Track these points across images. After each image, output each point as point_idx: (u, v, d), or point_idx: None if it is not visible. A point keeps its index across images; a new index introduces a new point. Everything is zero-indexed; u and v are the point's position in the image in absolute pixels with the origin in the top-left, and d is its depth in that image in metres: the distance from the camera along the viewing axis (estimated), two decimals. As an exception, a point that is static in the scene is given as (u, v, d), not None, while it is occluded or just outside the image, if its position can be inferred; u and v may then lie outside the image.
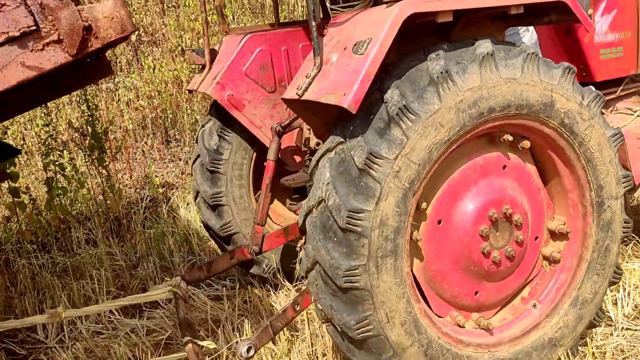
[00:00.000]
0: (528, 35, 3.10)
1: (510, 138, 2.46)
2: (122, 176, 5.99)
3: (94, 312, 3.59)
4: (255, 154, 3.76)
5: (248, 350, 2.61)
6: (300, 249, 4.00)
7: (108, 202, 5.65)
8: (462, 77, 2.20)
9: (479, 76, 2.22)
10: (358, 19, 2.47)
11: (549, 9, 2.52)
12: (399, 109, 2.14)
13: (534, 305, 2.72)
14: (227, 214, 3.76)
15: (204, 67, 3.58)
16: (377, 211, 2.15)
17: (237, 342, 2.79)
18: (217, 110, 3.73)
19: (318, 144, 3.31)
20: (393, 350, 2.32)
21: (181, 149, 6.32)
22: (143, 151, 6.13)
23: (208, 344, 3.00)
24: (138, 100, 6.21)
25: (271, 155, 3.37)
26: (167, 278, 3.56)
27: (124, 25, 1.88)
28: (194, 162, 3.92)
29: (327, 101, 2.27)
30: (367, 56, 2.17)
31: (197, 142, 3.96)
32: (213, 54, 3.57)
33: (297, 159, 3.67)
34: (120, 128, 6.11)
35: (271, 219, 4.01)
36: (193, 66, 6.14)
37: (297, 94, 2.45)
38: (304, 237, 3.93)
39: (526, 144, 2.51)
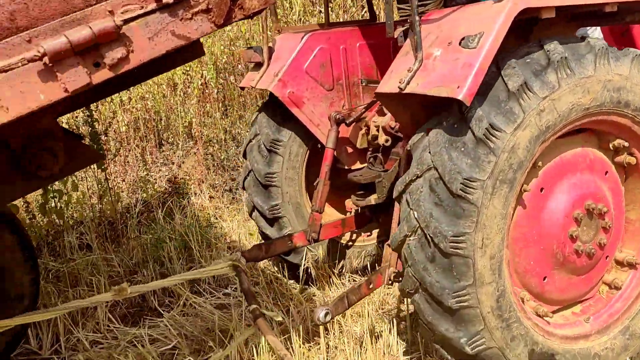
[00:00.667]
0: (596, 34, 3.31)
1: (626, 144, 2.66)
2: (114, 179, 5.78)
3: (158, 287, 3.48)
4: (308, 152, 3.79)
5: (325, 315, 2.70)
6: (347, 245, 4.03)
7: (102, 206, 5.43)
8: (615, 62, 2.42)
9: (628, 69, 2.44)
10: (459, 16, 2.58)
11: (637, 8, 2.72)
12: (562, 57, 2.31)
13: (587, 320, 2.84)
14: (284, 225, 3.81)
15: (258, 64, 3.59)
16: (513, 137, 2.27)
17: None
18: (272, 109, 3.74)
19: (387, 141, 3.40)
20: (474, 279, 2.35)
21: (174, 153, 6.18)
22: (136, 154, 5.94)
23: (274, 314, 3.01)
24: (130, 102, 6.02)
25: (330, 143, 3.45)
26: (226, 254, 3.49)
27: (267, -2, 1.90)
28: (245, 178, 3.93)
29: (437, 94, 2.34)
30: (481, 49, 2.27)
31: (244, 156, 3.96)
32: (270, 51, 3.58)
33: (352, 157, 3.73)
34: (113, 130, 5.91)
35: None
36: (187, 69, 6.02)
37: (399, 87, 2.50)
38: (354, 233, 4.01)
39: (632, 160, 2.71)
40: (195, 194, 6.01)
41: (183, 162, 6.32)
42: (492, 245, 2.37)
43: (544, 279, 2.72)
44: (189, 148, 6.19)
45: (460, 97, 2.23)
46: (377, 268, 2.90)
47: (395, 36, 2.77)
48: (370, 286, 2.88)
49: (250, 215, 4.08)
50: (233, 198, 6.04)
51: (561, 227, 2.61)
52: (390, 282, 2.89)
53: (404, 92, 2.50)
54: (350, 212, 4.02)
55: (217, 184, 6.17)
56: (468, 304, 2.39)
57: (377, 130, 3.48)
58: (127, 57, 1.80)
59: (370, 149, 3.61)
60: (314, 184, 3.53)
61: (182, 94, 6.12)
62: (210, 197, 6.01)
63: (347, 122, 3.52)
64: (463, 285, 2.36)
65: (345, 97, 3.70)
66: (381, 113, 3.55)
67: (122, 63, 1.80)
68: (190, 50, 2.40)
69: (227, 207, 5.88)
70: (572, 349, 2.71)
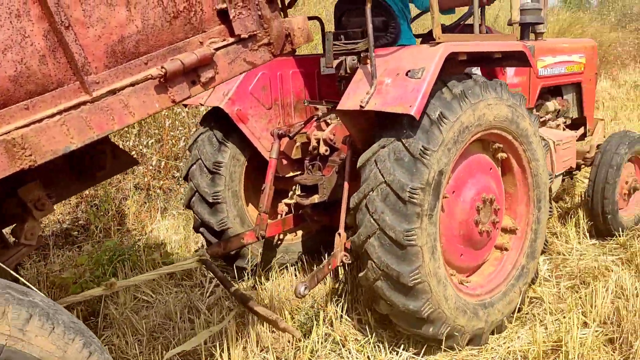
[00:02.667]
0: (478, 72, 4.41)
1: (501, 146, 3.70)
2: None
3: (141, 281, 3.79)
4: (246, 161, 4.43)
5: (305, 289, 3.47)
6: (277, 244, 4.71)
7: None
8: (492, 90, 3.45)
9: (500, 94, 3.50)
10: (400, 55, 3.44)
11: (513, 55, 3.80)
12: (462, 90, 3.31)
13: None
14: (222, 210, 4.36)
15: None
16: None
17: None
18: (214, 122, 4.34)
19: (326, 151, 4.17)
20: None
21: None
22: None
23: (251, 293, 3.65)
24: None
25: (273, 154, 4.16)
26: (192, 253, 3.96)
27: (309, 35, 2.60)
28: (190, 198, 4.43)
29: (393, 110, 3.15)
30: (424, 80, 3.14)
31: (186, 179, 4.46)
32: None
33: (286, 166, 4.41)
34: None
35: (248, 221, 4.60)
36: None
37: (360, 105, 3.29)
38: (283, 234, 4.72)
39: (503, 155, 3.77)
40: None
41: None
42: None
43: (461, 255, 3.72)
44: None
45: (412, 113, 3.08)
46: (332, 253, 3.64)
47: (333, 66, 3.68)
48: (329, 266, 3.64)
49: (197, 230, 4.54)
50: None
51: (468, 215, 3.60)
52: (341, 263, 3.66)
53: (365, 109, 3.28)
54: (282, 214, 4.69)
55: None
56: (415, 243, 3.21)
57: (318, 142, 4.22)
58: (214, 77, 2.36)
59: (307, 158, 4.33)
60: (262, 189, 4.13)
61: (183, 106, 6.19)
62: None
63: (290, 135, 4.21)
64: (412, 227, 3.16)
65: (281, 115, 4.45)
66: (319, 128, 4.32)
67: (211, 81, 2.35)
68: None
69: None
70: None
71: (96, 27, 2.09)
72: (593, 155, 5.23)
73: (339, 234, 3.65)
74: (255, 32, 2.45)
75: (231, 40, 2.41)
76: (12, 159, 1.92)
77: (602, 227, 5.18)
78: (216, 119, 4.31)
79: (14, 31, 1.92)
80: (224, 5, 2.36)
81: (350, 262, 3.71)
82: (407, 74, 3.25)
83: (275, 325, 3.44)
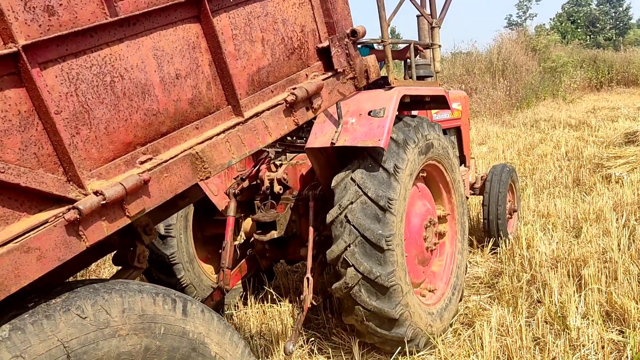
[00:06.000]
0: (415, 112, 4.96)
1: (424, 174, 4.16)
2: None
3: None
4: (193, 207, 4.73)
5: (293, 345, 3.66)
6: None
7: None
8: (432, 127, 4.09)
9: (438, 132, 4.18)
10: (359, 98, 3.85)
11: (437, 99, 4.53)
12: (416, 124, 3.96)
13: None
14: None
15: None
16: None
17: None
18: None
19: (280, 189, 4.33)
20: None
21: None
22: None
23: None
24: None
25: (231, 212, 4.26)
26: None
27: (378, 71, 3.07)
28: None
29: (364, 145, 3.56)
30: (387, 117, 3.64)
31: None
32: None
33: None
34: None
35: (207, 275, 4.89)
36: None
37: (332, 142, 3.63)
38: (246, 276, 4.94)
39: (424, 173, 4.21)
40: None
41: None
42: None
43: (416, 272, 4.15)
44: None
45: (382, 145, 3.52)
46: (301, 297, 3.83)
47: None
48: (304, 312, 3.78)
49: None
50: None
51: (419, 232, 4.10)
52: (311, 304, 3.85)
53: (336, 145, 3.61)
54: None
55: None
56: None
57: (270, 183, 4.34)
58: (321, 104, 2.74)
59: (257, 198, 4.42)
60: (223, 245, 4.17)
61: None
62: None
63: (243, 178, 4.40)
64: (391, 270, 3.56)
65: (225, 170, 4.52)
66: (270, 170, 4.44)
67: (319, 108, 2.72)
68: None
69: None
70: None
71: (242, 60, 2.41)
72: (480, 185, 6.22)
73: (307, 279, 3.85)
74: (345, 68, 2.88)
75: (329, 74, 2.82)
76: (195, 171, 2.15)
77: (495, 236, 5.97)
78: None
79: (191, 60, 2.20)
80: (326, 44, 2.79)
81: (318, 303, 3.96)
82: (369, 114, 3.70)
83: None
